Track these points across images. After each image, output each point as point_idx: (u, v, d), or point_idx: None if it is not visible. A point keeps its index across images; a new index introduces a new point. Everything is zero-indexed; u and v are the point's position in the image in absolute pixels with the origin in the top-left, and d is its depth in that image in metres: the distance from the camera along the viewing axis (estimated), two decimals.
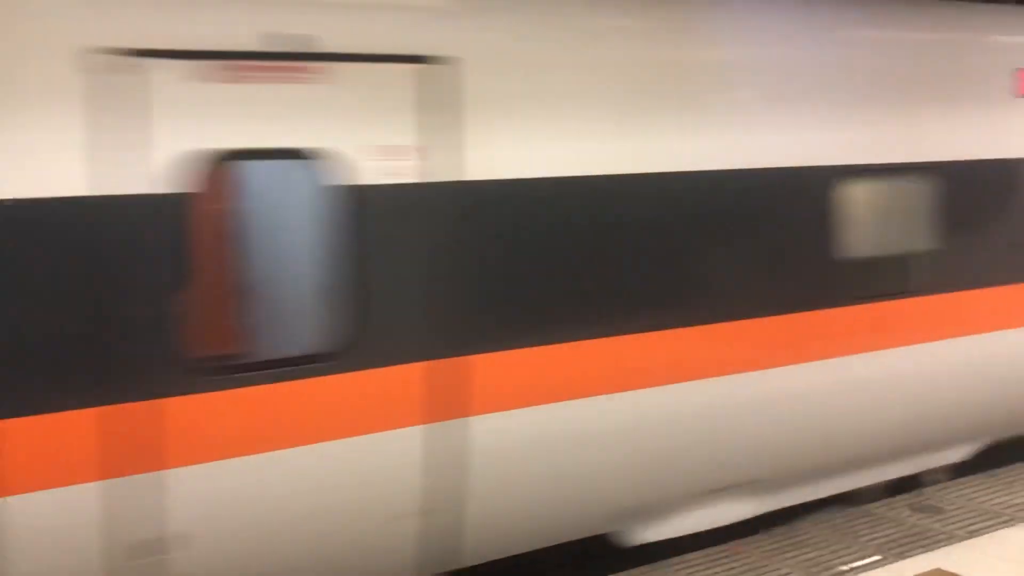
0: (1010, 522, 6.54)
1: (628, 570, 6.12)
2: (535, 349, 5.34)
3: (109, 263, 4.36)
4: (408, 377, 5.01)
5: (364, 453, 4.93)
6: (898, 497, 7.19)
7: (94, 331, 4.34)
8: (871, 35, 6.80)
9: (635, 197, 5.63)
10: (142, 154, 4.36)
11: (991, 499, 7.04)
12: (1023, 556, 5.93)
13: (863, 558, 6.07)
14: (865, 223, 6.42)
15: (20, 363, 4.23)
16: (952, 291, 6.87)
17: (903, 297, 6.64)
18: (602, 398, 5.55)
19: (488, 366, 5.20)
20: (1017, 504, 6.90)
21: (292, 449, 4.75)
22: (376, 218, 4.88)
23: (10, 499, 4.19)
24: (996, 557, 5.95)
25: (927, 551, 6.10)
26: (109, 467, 4.37)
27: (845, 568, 5.94)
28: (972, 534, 6.37)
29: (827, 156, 6.30)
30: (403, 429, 5.00)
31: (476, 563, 5.64)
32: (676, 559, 6.20)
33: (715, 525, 6.28)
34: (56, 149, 4.21)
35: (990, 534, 6.34)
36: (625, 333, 5.60)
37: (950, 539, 6.29)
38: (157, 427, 4.46)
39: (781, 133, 6.19)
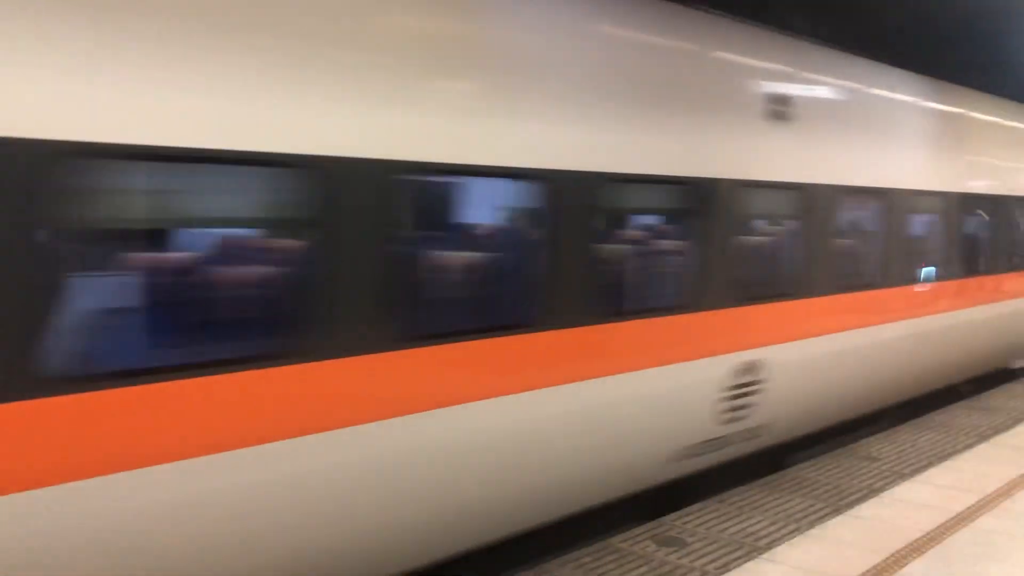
0: (751, 554, 6.21)
1: None
2: None
3: None
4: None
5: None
6: (638, 529, 6.68)
7: None
8: None
9: None
10: None
11: (728, 527, 6.72)
12: None
13: None
14: None
15: None
16: None
17: None
18: None
19: None
20: (752, 532, 6.62)
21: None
22: None
23: None
24: None
25: None
26: None
27: None
28: (720, 570, 5.94)
29: None
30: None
31: None
32: None
33: None
34: None
35: (736, 570, 5.95)
36: None
37: None
38: None
39: None
